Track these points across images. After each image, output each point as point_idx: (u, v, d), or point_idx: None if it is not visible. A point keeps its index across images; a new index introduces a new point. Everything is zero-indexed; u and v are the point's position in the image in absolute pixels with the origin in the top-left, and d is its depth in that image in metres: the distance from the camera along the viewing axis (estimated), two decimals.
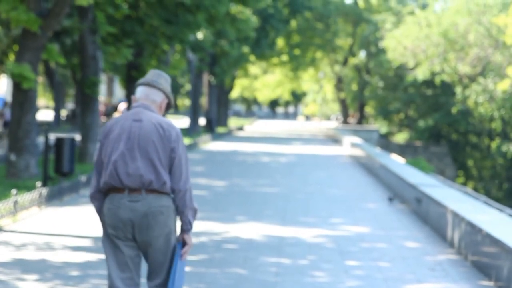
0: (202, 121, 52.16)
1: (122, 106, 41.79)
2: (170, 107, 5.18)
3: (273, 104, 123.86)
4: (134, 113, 4.99)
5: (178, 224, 5.07)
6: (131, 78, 29.14)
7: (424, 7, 60.71)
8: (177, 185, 4.92)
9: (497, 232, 8.75)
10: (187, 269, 8.46)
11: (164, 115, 5.24)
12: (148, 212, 4.84)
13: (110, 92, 78.70)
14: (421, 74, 49.03)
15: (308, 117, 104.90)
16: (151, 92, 5.07)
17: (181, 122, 60.30)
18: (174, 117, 74.08)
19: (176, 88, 69.19)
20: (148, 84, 5.08)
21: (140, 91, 5.09)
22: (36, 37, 16.85)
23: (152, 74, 5.11)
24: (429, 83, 54.07)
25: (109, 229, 4.92)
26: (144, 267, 5.39)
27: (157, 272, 4.96)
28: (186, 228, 4.99)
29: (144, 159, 4.87)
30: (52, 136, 18.35)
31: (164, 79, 5.12)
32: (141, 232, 4.86)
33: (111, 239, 4.93)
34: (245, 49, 48.79)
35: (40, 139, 23.61)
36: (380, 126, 60.93)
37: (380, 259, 9.71)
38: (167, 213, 4.90)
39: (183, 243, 5.00)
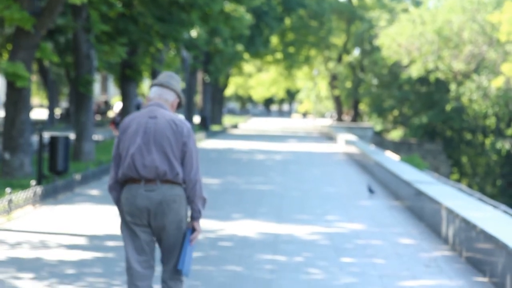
0: (196, 119, 52.12)
1: (118, 107, 41.95)
2: (181, 106, 5.65)
3: (268, 102, 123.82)
4: (149, 111, 5.46)
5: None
6: (125, 76, 29.10)
7: (418, 4, 60.74)
8: (188, 176, 5.39)
9: (491, 228, 8.77)
10: None
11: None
12: (162, 200, 5.32)
13: (104, 90, 78.61)
14: (415, 71, 49.08)
15: (304, 115, 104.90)
16: (164, 92, 5.55)
17: None
18: None
19: None
20: (161, 85, 5.57)
21: (154, 91, 5.57)
22: (30, 35, 16.82)
23: (164, 76, 5.59)
24: (423, 80, 54.12)
25: (127, 216, 5.38)
26: (157, 252, 5.68)
27: (169, 255, 5.42)
28: (196, 216, 5.45)
29: (159, 152, 5.35)
30: (46, 135, 18.33)
31: (175, 81, 5.59)
32: (156, 218, 5.34)
33: (129, 225, 5.40)
34: (239, 47, 48.76)
35: (34, 138, 23.58)
36: (374, 124, 60.96)
37: (375, 256, 9.72)
38: (180, 201, 5.37)
39: (193, 230, 5.45)
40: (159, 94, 5.55)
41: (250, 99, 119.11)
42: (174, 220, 5.36)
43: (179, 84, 5.64)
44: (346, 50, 66.52)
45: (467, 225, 9.56)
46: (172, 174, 5.34)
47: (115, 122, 40.04)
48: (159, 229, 5.37)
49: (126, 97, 29.35)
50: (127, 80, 29.09)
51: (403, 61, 50.68)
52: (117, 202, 5.51)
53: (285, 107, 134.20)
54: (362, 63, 63.90)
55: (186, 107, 44.02)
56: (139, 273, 5.39)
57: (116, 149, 5.48)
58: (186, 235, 5.43)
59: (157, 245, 5.52)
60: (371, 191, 16.33)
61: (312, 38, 62.43)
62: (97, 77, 60.42)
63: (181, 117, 5.61)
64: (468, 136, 51.52)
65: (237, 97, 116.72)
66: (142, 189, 5.34)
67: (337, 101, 70.30)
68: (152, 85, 5.60)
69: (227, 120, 73.48)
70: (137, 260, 5.40)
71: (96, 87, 67.39)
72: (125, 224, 5.44)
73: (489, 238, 8.50)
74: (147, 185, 5.34)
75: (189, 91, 44.56)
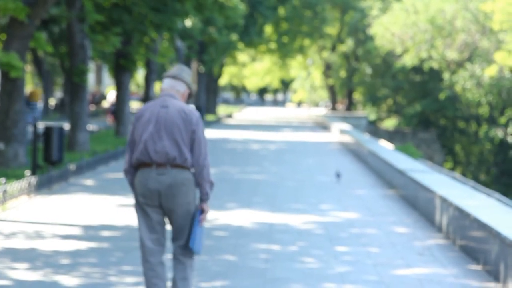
0: None
1: (111, 96, 41.05)
2: (191, 96, 6.11)
3: (262, 91, 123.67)
4: (161, 101, 5.92)
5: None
6: (119, 66, 29.05)
7: None
8: (197, 162, 5.85)
9: (484, 216, 8.81)
10: None
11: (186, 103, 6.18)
12: (172, 183, 5.78)
13: (98, 80, 78.42)
14: (409, 60, 49.09)
15: (299, 104, 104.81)
16: (175, 84, 5.99)
17: None
18: None
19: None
20: (173, 77, 6.00)
21: (166, 82, 6.01)
22: (24, 25, 16.78)
23: (176, 68, 6.04)
24: (417, 69, 54.11)
25: (140, 198, 5.84)
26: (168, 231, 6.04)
27: (179, 234, 5.87)
28: (204, 198, 5.91)
29: (169, 139, 5.81)
30: (41, 125, 18.31)
31: (186, 73, 6.04)
32: (167, 200, 5.80)
33: (142, 206, 5.86)
34: (234, 36, 48.67)
35: (29, 128, 23.55)
36: (368, 113, 60.96)
37: (370, 245, 9.76)
38: (188, 185, 5.83)
39: (201, 211, 5.90)
40: (171, 85, 5.98)
41: (244, 89, 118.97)
42: (183, 202, 5.81)
43: (190, 76, 6.05)
44: (340, 40, 66.44)
45: (461, 214, 9.60)
46: (181, 159, 5.79)
47: (111, 111, 39.83)
48: (169, 210, 5.82)
49: (120, 87, 29.32)
50: (121, 70, 29.05)
51: (397, 50, 50.66)
52: (132, 185, 5.96)
53: (280, 96, 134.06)
54: (356, 53, 63.84)
55: None
56: (150, 249, 5.85)
57: (131, 135, 5.93)
58: (195, 216, 5.87)
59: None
60: (338, 175, 16.78)
61: (306, 27, 62.33)
62: (91, 67, 60.23)
63: (192, 107, 6.06)
64: (462, 124, 51.57)
65: (232, 87, 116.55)
66: (153, 172, 5.79)
67: (331, 90, 70.26)
68: (164, 77, 6.01)
69: (222, 109, 73.43)
70: (149, 238, 5.86)
71: (91, 77, 67.15)
72: (138, 205, 5.88)
73: (483, 226, 8.54)
74: (158, 169, 5.79)
75: None
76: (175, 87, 5.99)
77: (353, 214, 12.31)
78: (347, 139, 28.79)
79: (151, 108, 5.90)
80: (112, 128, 33.81)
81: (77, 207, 12.27)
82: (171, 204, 5.80)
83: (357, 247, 9.59)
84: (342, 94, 71.36)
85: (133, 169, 5.94)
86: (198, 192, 5.95)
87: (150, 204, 5.82)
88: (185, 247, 5.88)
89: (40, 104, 30.37)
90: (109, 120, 39.10)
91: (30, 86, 73.61)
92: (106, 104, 40.15)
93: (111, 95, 40.59)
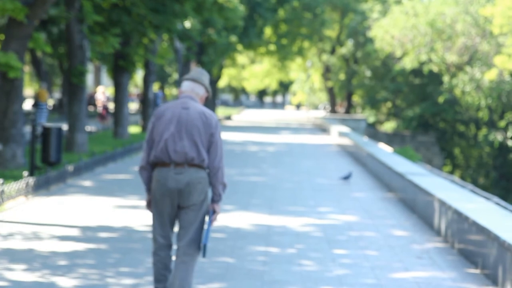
0: None
1: (99, 94, 40.74)
2: (209, 99, 6.35)
3: (261, 93, 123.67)
4: (182, 102, 6.19)
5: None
6: (118, 67, 29.03)
7: None
8: (213, 163, 6.13)
9: (483, 220, 8.79)
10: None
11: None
12: (190, 182, 6.06)
13: (97, 81, 78.41)
14: (408, 63, 49.10)
15: (298, 107, 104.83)
16: (195, 86, 6.28)
17: None
18: None
19: (163, 77, 69.02)
20: (193, 80, 6.28)
21: (186, 85, 6.28)
22: (22, 26, 16.75)
23: (196, 72, 6.30)
24: (416, 72, 54.10)
25: (158, 196, 6.10)
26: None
27: (185, 232, 6.11)
28: (217, 199, 6.21)
29: (189, 140, 6.07)
30: (39, 126, 18.26)
31: (205, 76, 6.31)
32: (183, 197, 6.08)
33: (157, 204, 6.12)
34: (233, 38, 48.65)
35: (27, 129, 23.52)
36: (367, 115, 60.94)
37: (368, 248, 9.74)
38: (204, 183, 6.12)
39: (213, 211, 6.19)
40: (191, 88, 6.25)
41: (243, 91, 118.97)
42: (197, 199, 6.10)
43: (208, 80, 6.33)
44: (339, 42, 66.43)
45: (460, 217, 9.58)
46: (199, 160, 6.07)
47: (102, 111, 39.61)
48: (184, 206, 6.10)
49: (119, 87, 29.30)
50: (120, 71, 29.03)
51: (396, 53, 50.65)
52: (147, 182, 6.22)
53: (279, 98, 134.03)
54: (356, 55, 63.83)
55: None
56: (162, 244, 6.16)
57: (150, 133, 6.15)
58: (208, 214, 6.16)
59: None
60: (346, 177, 17.22)
61: (306, 30, 62.32)
62: (90, 68, 60.19)
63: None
64: (461, 128, 51.57)
65: (231, 89, 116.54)
66: (172, 172, 6.05)
67: (331, 93, 70.23)
68: (184, 79, 6.27)
69: (221, 111, 73.40)
70: (161, 234, 6.16)
71: (89, 78, 67.12)
72: (154, 202, 6.14)
73: (481, 230, 8.52)
74: (176, 168, 6.05)
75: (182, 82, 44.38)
76: (194, 89, 6.24)
77: (352, 217, 12.29)
78: (346, 141, 28.77)
79: (172, 109, 6.13)
80: (111, 129, 33.77)
81: (75, 208, 12.24)
82: (186, 201, 6.07)
83: (355, 250, 9.57)
84: (341, 97, 71.35)
85: (149, 167, 6.17)
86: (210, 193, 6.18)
87: (168, 202, 6.07)
88: (187, 246, 6.09)
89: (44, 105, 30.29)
90: (100, 121, 38.70)
91: (30, 87, 73.62)
92: (99, 103, 39.61)
93: (99, 94, 40.00)
